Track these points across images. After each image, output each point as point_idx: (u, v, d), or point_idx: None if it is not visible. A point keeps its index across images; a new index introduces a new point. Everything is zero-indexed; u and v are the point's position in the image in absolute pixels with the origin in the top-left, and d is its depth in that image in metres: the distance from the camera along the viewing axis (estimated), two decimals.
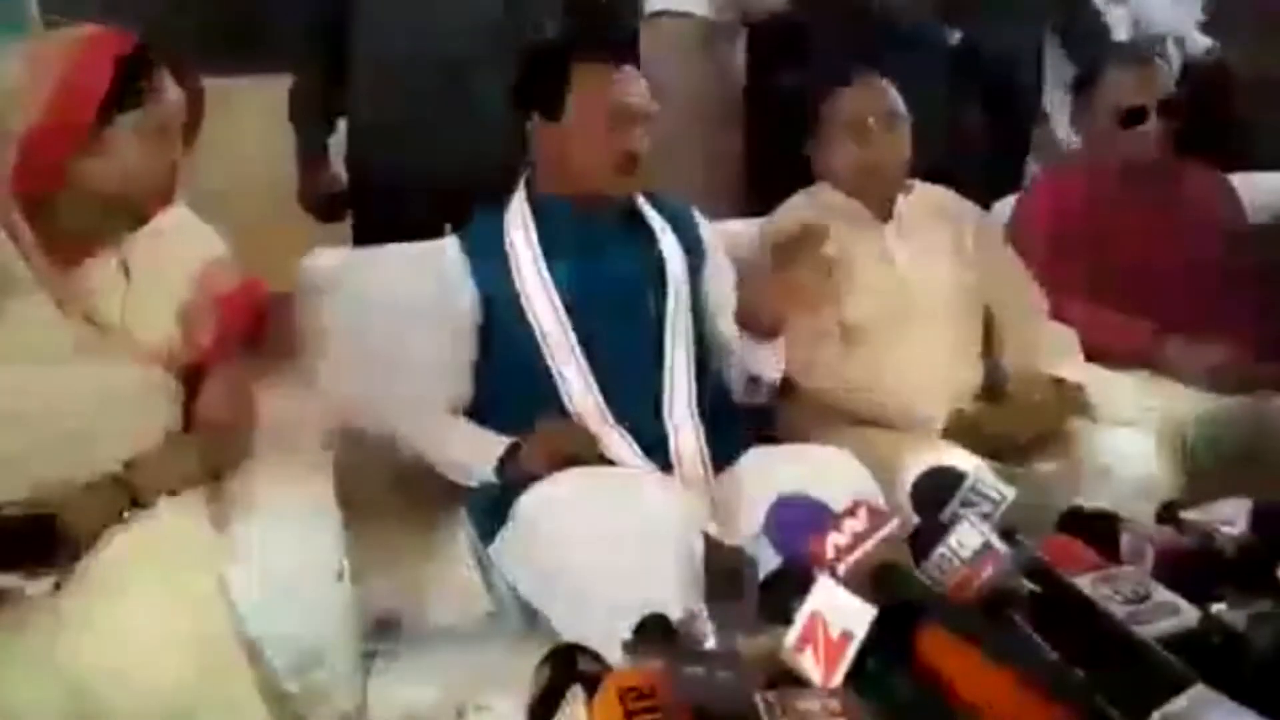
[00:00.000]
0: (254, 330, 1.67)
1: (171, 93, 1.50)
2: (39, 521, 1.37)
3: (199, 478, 1.55)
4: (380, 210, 2.45)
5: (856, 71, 2.10)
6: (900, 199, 2.11)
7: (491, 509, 1.63)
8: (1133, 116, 2.24)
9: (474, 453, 1.69)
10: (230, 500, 1.54)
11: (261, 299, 1.69)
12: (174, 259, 1.60)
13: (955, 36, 2.86)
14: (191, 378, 1.61)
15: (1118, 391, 1.98)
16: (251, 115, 2.63)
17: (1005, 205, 2.39)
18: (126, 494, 1.45)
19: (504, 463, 1.65)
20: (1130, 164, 2.27)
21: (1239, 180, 2.40)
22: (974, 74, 2.81)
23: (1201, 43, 3.53)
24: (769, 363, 1.80)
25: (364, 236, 2.47)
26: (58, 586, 1.35)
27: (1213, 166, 2.40)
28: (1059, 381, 1.95)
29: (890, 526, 1.12)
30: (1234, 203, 2.36)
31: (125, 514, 1.43)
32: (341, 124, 2.54)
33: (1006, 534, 1.16)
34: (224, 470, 1.59)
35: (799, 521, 1.21)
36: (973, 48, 2.79)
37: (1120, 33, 3.26)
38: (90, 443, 1.47)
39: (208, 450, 1.57)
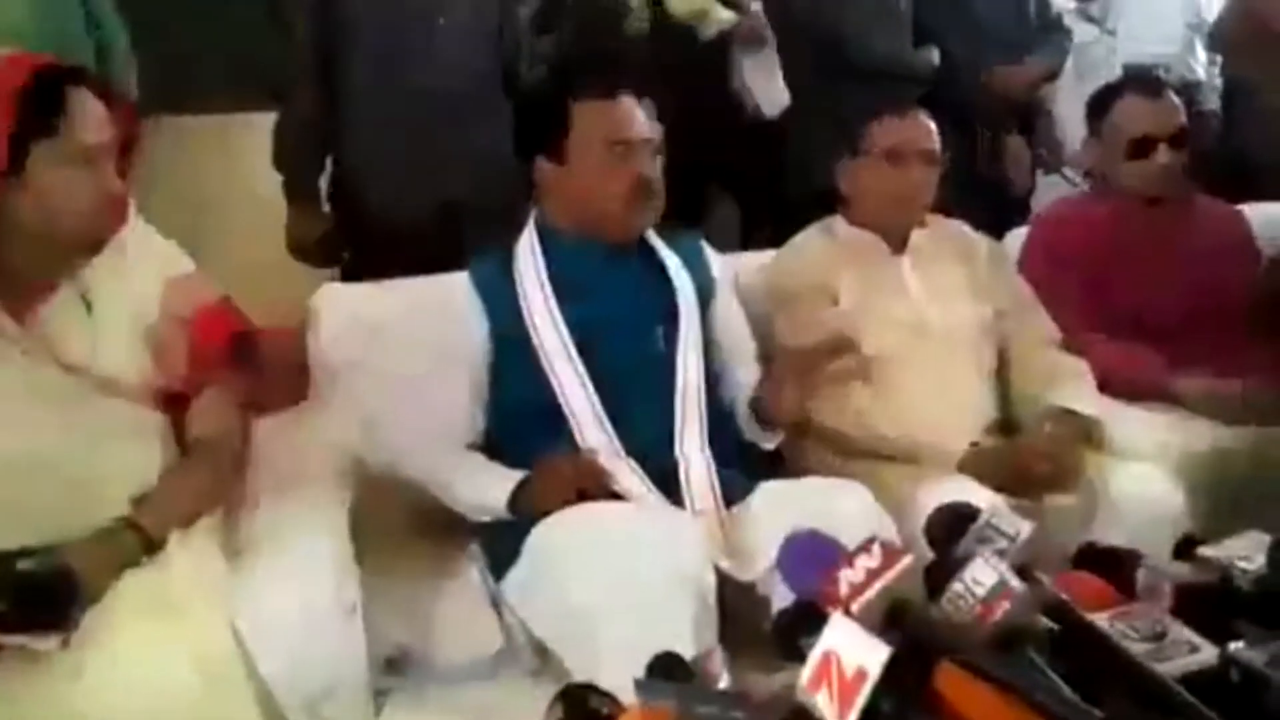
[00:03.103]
0: (233, 347, 1.61)
1: (92, 115, 1.42)
2: (54, 577, 1.32)
3: (206, 505, 1.53)
4: (371, 251, 2.43)
5: (906, 103, 2.13)
6: (915, 232, 2.11)
7: (503, 545, 1.62)
8: (1142, 147, 2.24)
9: (486, 488, 1.69)
10: (242, 534, 1.54)
11: (237, 313, 1.62)
12: (136, 283, 1.53)
13: (934, 56, 2.89)
14: (176, 406, 1.57)
15: (1132, 425, 1.97)
16: (254, 151, 2.59)
17: (1017, 237, 2.39)
18: (137, 537, 1.43)
19: (516, 498, 1.65)
20: (1141, 195, 2.27)
21: (1248, 211, 2.40)
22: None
23: (1202, 73, 3.55)
24: (773, 440, 1.83)
25: (355, 278, 2.42)
26: (66, 643, 1.30)
27: (1223, 198, 2.41)
28: (1073, 415, 1.94)
29: (904, 563, 1.11)
30: (1247, 235, 2.36)
31: (141, 560, 1.40)
32: (328, 165, 2.51)
33: (1022, 570, 1.15)
34: (228, 493, 1.57)
35: (812, 558, 1.20)
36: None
37: (1113, 62, 3.29)
38: (91, 489, 1.45)
39: (208, 474, 1.55)
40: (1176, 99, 2.32)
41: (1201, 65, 3.61)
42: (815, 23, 2.84)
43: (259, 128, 2.56)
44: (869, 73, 2.78)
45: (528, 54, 2.52)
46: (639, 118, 1.79)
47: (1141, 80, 2.61)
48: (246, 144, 2.74)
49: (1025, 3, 3.03)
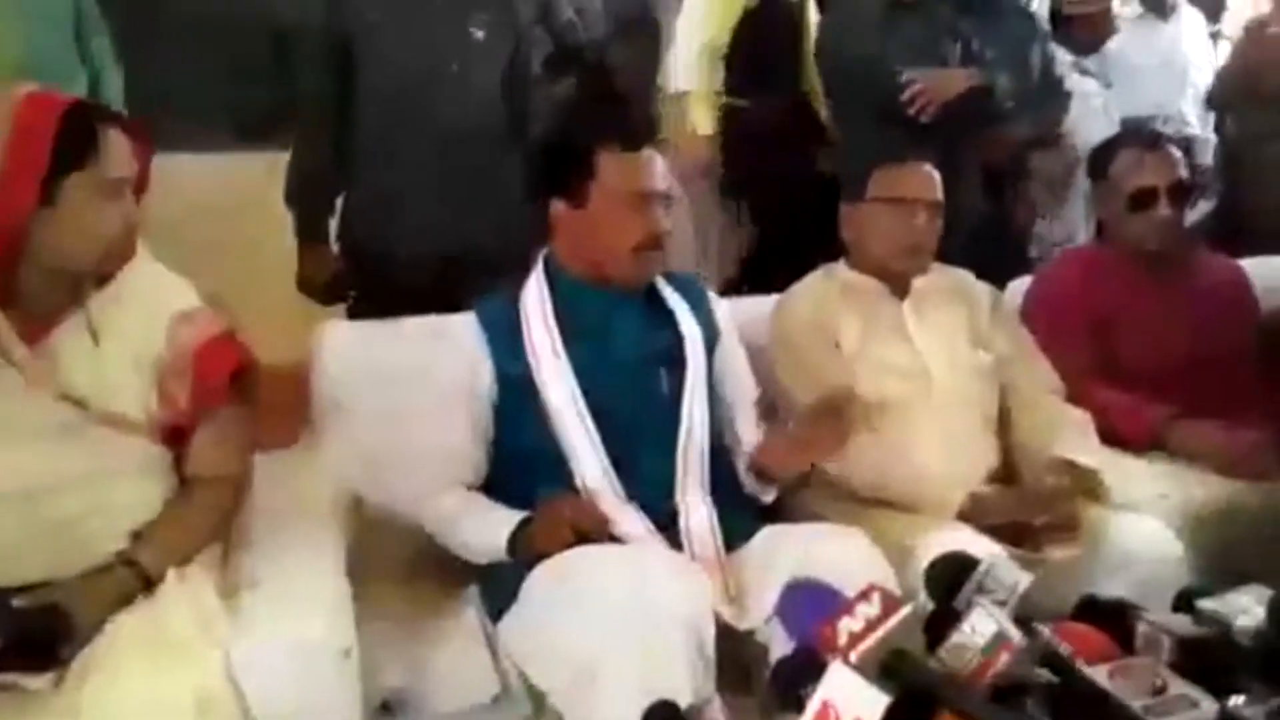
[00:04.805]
0: (238, 381, 1.60)
1: (118, 149, 1.47)
2: (47, 615, 1.32)
3: (204, 543, 1.53)
4: (378, 289, 2.45)
5: (914, 154, 2.15)
6: (917, 278, 2.13)
7: (501, 588, 1.62)
8: (1143, 199, 2.26)
9: (485, 529, 1.69)
10: (239, 572, 1.54)
11: (242, 348, 1.62)
12: (142, 316, 1.55)
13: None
14: (178, 440, 1.57)
15: (1133, 476, 1.96)
16: (263, 190, 2.62)
17: (1019, 286, 2.40)
18: (134, 574, 1.43)
19: (515, 540, 1.65)
20: (1142, 248, 2.29)
21: (1247, 264, 2.42)
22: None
23: (1199, 128, 3.60)
24: (771, 495, 1.84)
25: (361, 315, 2.44)
26: (59, 681, 1.30)
27: (1223, 251, 2.43)
28: (1074, 467, 1.94)
29: (903, 612, 1.11)
30: (1246, 288, 2.38)
31: (138, 596, 1.40)
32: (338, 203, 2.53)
33: (1022, 621, 1.15)
34: (226, 530, 1.57)
35: (811, 606, 1.20)
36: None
37: (1111, 117, 3.33)
38: (89, 524, 1.46)
39: (206, 511, 1.55)
40: (1176, 151, 2.34)
41: (1197, 120, 3.66)
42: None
43: (263, 165, 2.59)
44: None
45: (542, 99, 2.54)
46: (659, 170, 1.82)
47: (1140, 133, 2.64)
48: (250, 181, 2.77)
49: (1029, 60, 3.05)
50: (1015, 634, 1.11)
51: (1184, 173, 2.31)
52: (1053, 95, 3.06)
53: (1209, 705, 1.09)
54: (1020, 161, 3.08)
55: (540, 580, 1.53)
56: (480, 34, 2.44)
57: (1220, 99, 3.74)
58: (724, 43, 3.46)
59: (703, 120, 3.47)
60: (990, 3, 2.99)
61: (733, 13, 3.46)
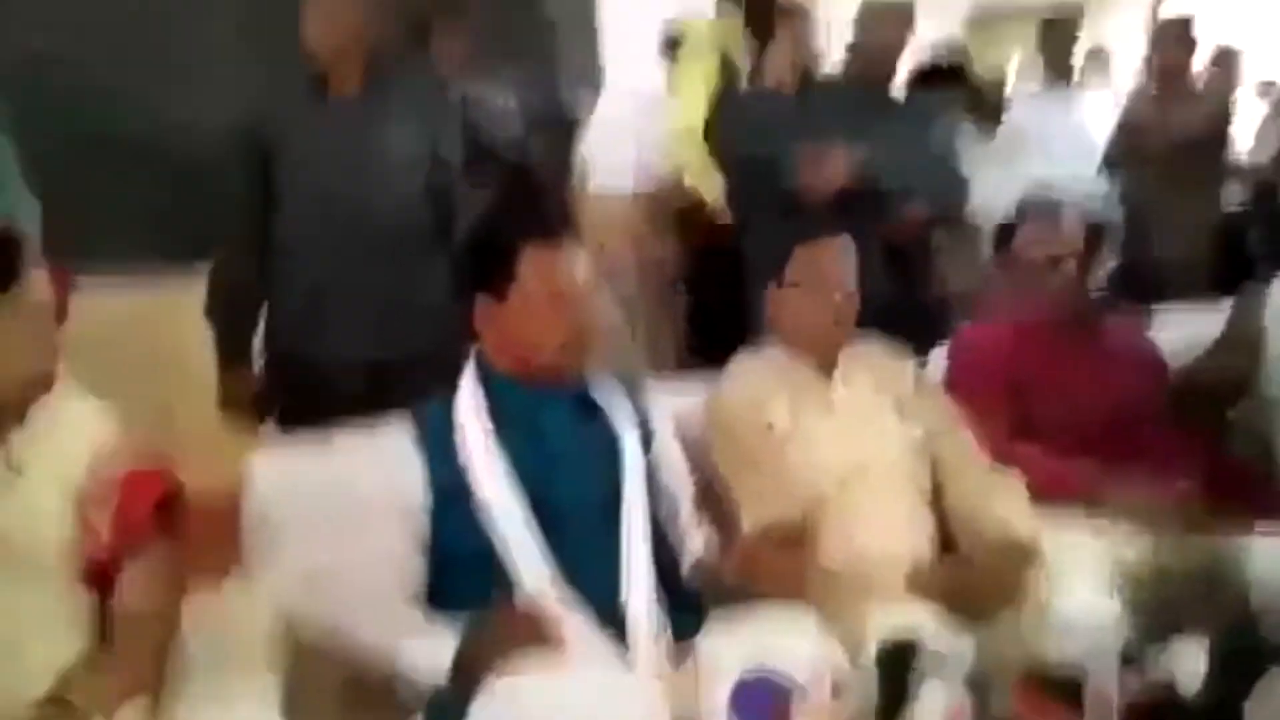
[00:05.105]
0: (164, 513, 1.57)
1: (36, 275, 1.46)
2: None
3: (133, 689, 1.47)
4: (306, 399, 2.42)
5: (831, 230, 2.19)
6: (842, 354, 2.16)
7: (446, 715, 1.55)
8: (1045, 268, 2.35)
9: (427, 649, 1.61)
10: (172, 712, 1.48)
11: (167, 477, 1.60)
12: (65, 446, 1.52)
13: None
14: (102, 578, 1.53)
15: (1067, 538, 1.99)
16: (188, 315, 2.58)
17: (938, 354, 2.47)
18: (64, 713, 1.38)
19: (459, 656, 1.60)
20: (1050, 313, 2.37)
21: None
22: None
23: (1100, 190, 3.75)
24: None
25: (290, 425, 2.42)
26: None
27: (1130, 310, 2.52)
28: (1011, 537, 1.96)
29: (853, 701, 1.11)
30: (1153, 348, 2.48)
31: None
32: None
33: (974, 686, 1.16)
34: (155, 674, 1.51)
35: (762, 702, 1.19)
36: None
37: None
38: (12, 666, 1.41)
39: (133, 654, 1.50)
40: (1075, 219, 2.43)
41: (1099, 180, 3.82)
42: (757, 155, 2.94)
43: (187, 283, 2.56)
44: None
45: (461, 205, 2.57)
46: (580, 265, 1.82)
47: (1039, 206, 2.74)
48: (169, 303, 2.74)
49: (926, 144, 3.16)
50: (966, 706, 1.11)
51: (1080, 242, 2.38)
52: (953, 182, 3.17)
53: None
54: (924, 239, 3.17)
55: (485, 710, 1.47)
56: (401, 140, 2.47)
57: (1112, 160, 3.93)
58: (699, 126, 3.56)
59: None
60: (881, 98, 3.12)
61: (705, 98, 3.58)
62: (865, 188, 2.82)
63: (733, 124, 3.25)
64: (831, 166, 2.80)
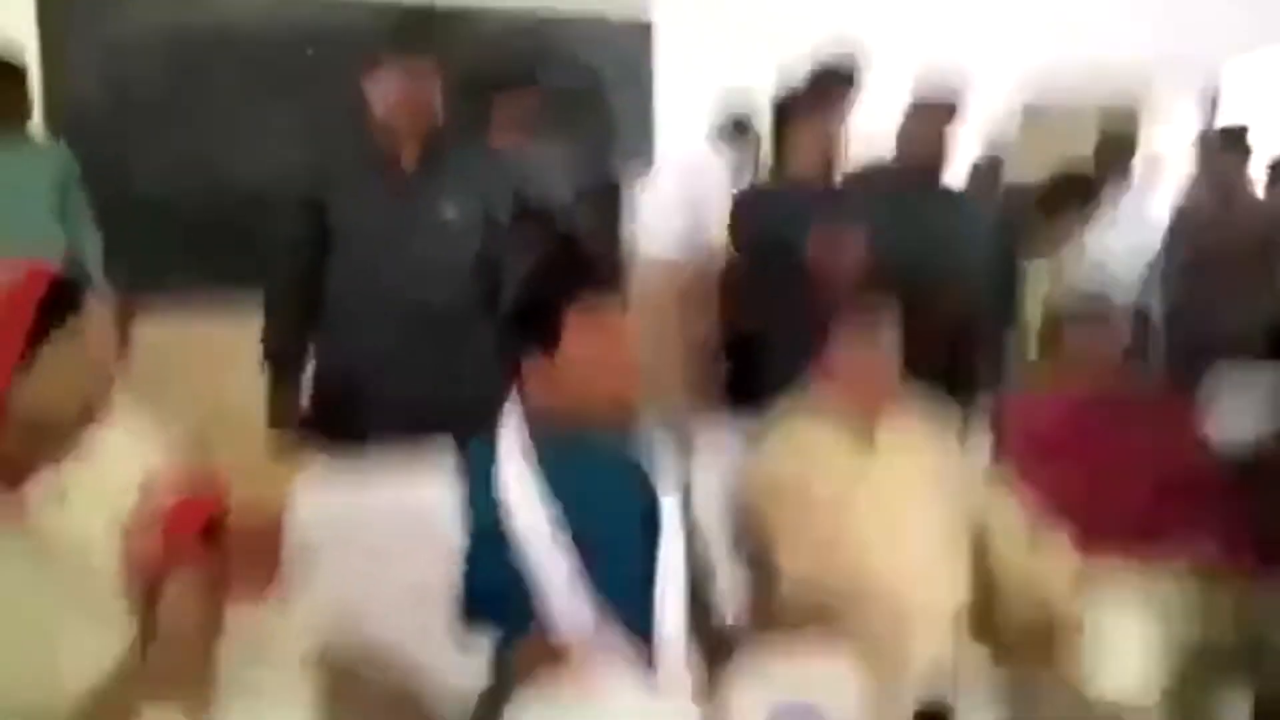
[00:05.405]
0: (209, 538, 1.58)
1: (96, 310, 1.51)
2: None
3: (169, 696, 1.48)
4: (350, 438, 2.44)
5: (873, 292, 2.23)
6: (885, 420, 2.17)
7: None
8: (1096, 362, 2.41)
9: (459, 679, 1.65)
10: None
11: (214, 504, 1.61)
12: (114, 474, 1.55)
13: None
14: (148, 595, 1.54)
15: (1111, 612, 1.96)
16: (239, 350, 2.66)
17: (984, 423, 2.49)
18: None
19: (489, 692, 1.61)
20: (1097, 391, 2.39)
21: None
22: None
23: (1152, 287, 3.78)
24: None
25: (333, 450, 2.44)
26: None
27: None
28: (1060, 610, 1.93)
29: None
30: (1198, 423, 2.48)
31: None
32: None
33: None
34: (193, 686, 1.52)
35: None
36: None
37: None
38: (54, 675, 1.43)
39: (171, 665, 1.51)
40: (1122, 321, 2.49)
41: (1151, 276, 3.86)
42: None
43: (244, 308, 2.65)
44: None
45: (510, 271, 2.61)
46: (631, 328, 1.85)
47: (1088, 310, 2.77)
48: (227, 334, 2.82)
49: (975, 233, 3.18)
50: None
51: (1128, 340, 2.45)
52: (1001, 283, 3.20)
53: None
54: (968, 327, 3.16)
55: None
56: (451, 214, 2.53)
57: (1165, 260, 3.95)
58: None
59: None
60: (924, 187, 3.14)
61: None
62: (895, 272, 2.85)
63: (746, 223, 3.23)
64: (846, 248, 2.81)
